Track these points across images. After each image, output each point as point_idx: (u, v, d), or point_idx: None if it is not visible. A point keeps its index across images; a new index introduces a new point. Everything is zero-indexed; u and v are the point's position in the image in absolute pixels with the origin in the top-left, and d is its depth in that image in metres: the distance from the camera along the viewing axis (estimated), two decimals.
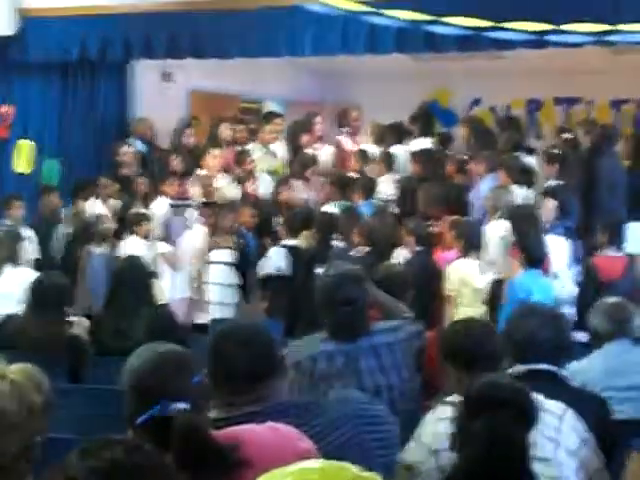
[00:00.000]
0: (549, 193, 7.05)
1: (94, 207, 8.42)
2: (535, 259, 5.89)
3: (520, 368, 3.21)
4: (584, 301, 5.95)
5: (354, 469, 1.71)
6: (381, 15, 6.97)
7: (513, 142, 7.99)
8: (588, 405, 3.01)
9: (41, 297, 4.76)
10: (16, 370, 2.13)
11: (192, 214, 8.02)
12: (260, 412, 2.60)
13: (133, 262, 5.55)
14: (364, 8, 7.06)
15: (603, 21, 6.86)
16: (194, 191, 8.34)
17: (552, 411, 2.79)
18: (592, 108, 10.54)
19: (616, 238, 6.73)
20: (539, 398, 2.80)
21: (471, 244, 6.62)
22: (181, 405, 2.30)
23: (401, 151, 8.49)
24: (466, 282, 6.46)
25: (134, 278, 5.17)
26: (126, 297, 5.07)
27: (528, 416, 2.38)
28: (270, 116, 9.47)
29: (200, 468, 2.26)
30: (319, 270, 6.30)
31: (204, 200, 8.18)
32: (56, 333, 4.66)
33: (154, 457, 1.75)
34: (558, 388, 3.01)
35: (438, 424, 2.82)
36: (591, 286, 6.37)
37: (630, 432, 3.30)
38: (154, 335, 4.58)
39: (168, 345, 2.48)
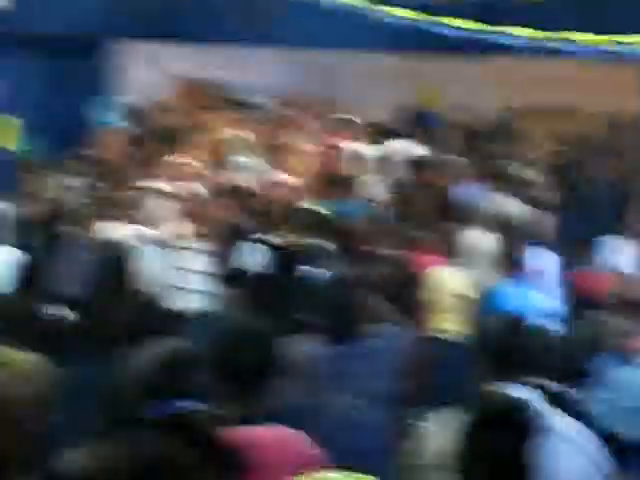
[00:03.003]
0: (539, 205, 7.02)
1: (71, 187, 8.29)
2: (517, 268, 5.91)
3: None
4: (571, 316, 5.97)
5: None
6: (379, 12, 6.95)
7: (509, 150, 7.99)
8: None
9: (25, 279, 4.67)
10: (21, 358, 2.06)
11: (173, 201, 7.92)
12: (263, 413, 2.58)
13: (117, 248, 5.44)
14: (362, 3, 7.02)
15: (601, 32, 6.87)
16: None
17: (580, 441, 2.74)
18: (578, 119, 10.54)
19: (600, 254, 6.76)
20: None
21: (453, 252, 6.60)
22: (188, 404, 2.25)
23: (389, 152, 8.46)
24: (444, 289, 6.43)
25: (118, 264, 5.05)
26: (110, 283, 4.96)
27: (528, 433, 2.36)
28: (256, 107, 9.40)
29: (204, 470, 2.22)
30: (304, 270, 6.27)
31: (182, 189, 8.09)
32: (40, 316, 4.57)
33: (189, 453, 1.71)
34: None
35: (439, 439, 2.79)
36: (577, 301, 6.38)
37: None
38: (137, 322, 4.53)
39: (177, 341, 2.43)
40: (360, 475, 1.81)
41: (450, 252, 6.56)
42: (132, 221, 7.63)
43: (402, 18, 7.09)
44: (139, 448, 1.86)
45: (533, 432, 2.33)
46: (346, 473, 1.84)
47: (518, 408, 2.38)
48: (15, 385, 1.97)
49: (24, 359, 2.07)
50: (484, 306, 5.93)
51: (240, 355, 2.64)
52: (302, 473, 1.99)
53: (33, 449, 2.06)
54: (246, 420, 2.49)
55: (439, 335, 6.29)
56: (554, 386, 3.26)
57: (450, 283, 6.45)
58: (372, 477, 1.80)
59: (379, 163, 8.32)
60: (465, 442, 2.30)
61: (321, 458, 2.41)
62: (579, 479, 2.69)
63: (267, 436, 2.42)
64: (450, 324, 6.38)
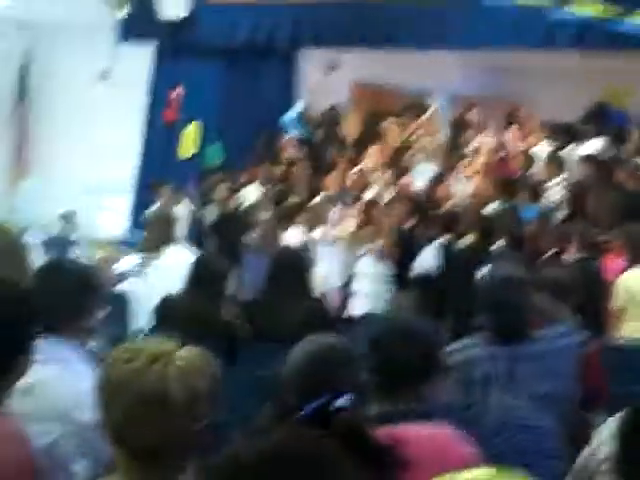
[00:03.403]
0: None
1: (252, 193, 8.54)
2: None
3: None
4: None
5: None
6: (563, 9, 6.71)
7: None
8: None
9: (201, 279, 4.81)
10: (185, 354, 2.10)
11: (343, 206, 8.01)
12: (421, 411, 2.53)
13: (294, 251, 5.54)
14: (544, 1, 6.81)
15: None
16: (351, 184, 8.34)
17: None
18: None
19: None
20: None
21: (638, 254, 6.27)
22: (344, 400, 2.23)
23: (572, 153, 8.16)
24: (634, 295, 6.13)
25: (294, 267, 5.13)
26: (284, 285, 5.04)
27: None
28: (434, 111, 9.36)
29: (358, 466, 2.19)
30: (478, 271, 6.14)
31: (357, 194, 8.15)
32: (213, 315, 4.71)
33: (329, 447, 1.69)
34: None
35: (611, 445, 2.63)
36: None
37: None
38: (309, 326, 4.57)
39: (334, 338, 2.42)
40: (511, 473, 1.73)
41: (632, 253, 6.23)
42: (310, 227, 7.76)
43: (589, 16, 6.81)
44: (295, 445, 1.85)
45: None
46: (495, 470, 1.77)
47: None
48: (178, 380, 2.00)
49: (189, 355, 2.11)
50: None
51: (400, 353, 2.60)
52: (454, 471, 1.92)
53: (193, 443, 2.10)
54: (403, 418, 2.45)
55: (626, 341, 6.01)
56: None
57: (635, 286, 6.14)
58: (524, 475, 1.71)
59: (563, 164, 8.02)
60: (624, 445, 2.17)
61: (477, 457, 2.33)
62: None
63: (423, 434, 2.36)
64: (635, 329, 6.08)
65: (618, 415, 2.64)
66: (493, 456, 2.58)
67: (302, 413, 2.23)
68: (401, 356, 2.61)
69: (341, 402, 2.22)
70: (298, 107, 9.66)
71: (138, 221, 9.56)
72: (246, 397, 3.98)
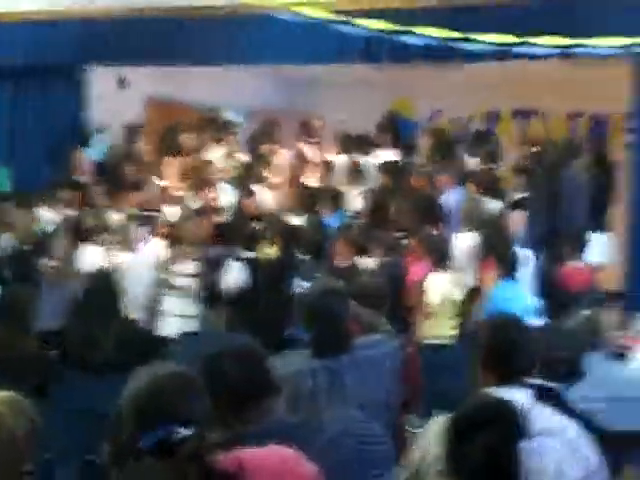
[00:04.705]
0: (517, 205, 7.05)
1: (46, 217, 8.19)
2: (511, 270, 5.92)
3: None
4: (554, 312, 5.99)
5: None
6: (350, 24, 6.93)
7: (489, 154, 7.99)
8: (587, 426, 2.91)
9: (6, 312, 4.56)
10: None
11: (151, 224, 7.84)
12: (261, 432, 2.52)
13: (103, 274, 5.36)
14: (334, 17, 7.01)
15: (567, 35, 6.91)
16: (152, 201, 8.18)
17: (568, 438, 2.68)
18: (549, 121, 10.64)
19: (579, 248, 6.82)
20: (554, 419, 2.71)
21: (441, 257, 6.57)
22: (185, 430, 2.18)
23: (368, 162, 8.43)
24: (446, 295, 6.41)
25: (103, 289, 4.98)
26: (95, 308, 4.88)
27: (518, 432, 2.32)
28: (230, 125, 9.36)
29: None
30: (284, 283, 6.21)
31: (160, 212, 8.01)
32: (22, 349, 4.48)
33: None
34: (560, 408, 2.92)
35: (439, 444, 2.72)
36: (559, 297, 6.40)
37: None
38: (124, 347, 4.46)
39: (172, 366, 2.35)
40: None
41: (434, 256, 6.52)
42: (112, 248, 7.53)
43: (372, 30, 7.07)
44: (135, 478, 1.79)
45: (520, 432, 2.28)
46: None
47: (505, 409, 2.34)
48: None
49: (2, 398, 1.99)
50: (483, 307, 5.92)
51: (228, 374, 2.57)
52: None
53: None
54: (239, 441, 2.42)
55: (433, 340, 6.28)
56: (545, 383, 3.21)
57: (441, 288, 6.43)
58: None
59: (358, 173, 8.27)
60: (453, 445, 2.26)
61: (319, 475, 2.35)
62: (568, 475, 2.63)
63: (265, 456, 2.34)
64: (444, 329, 6.37)
65: (438, 418, 2.74)
66: (334, 469, 2.62)
67: (145, 444, 2.16)
68: (233, 377, 2.58)
69: (184, 431, 2.17)
70: (90, 125, 9.40)
71: None
72: (63, 432, 3.81)
